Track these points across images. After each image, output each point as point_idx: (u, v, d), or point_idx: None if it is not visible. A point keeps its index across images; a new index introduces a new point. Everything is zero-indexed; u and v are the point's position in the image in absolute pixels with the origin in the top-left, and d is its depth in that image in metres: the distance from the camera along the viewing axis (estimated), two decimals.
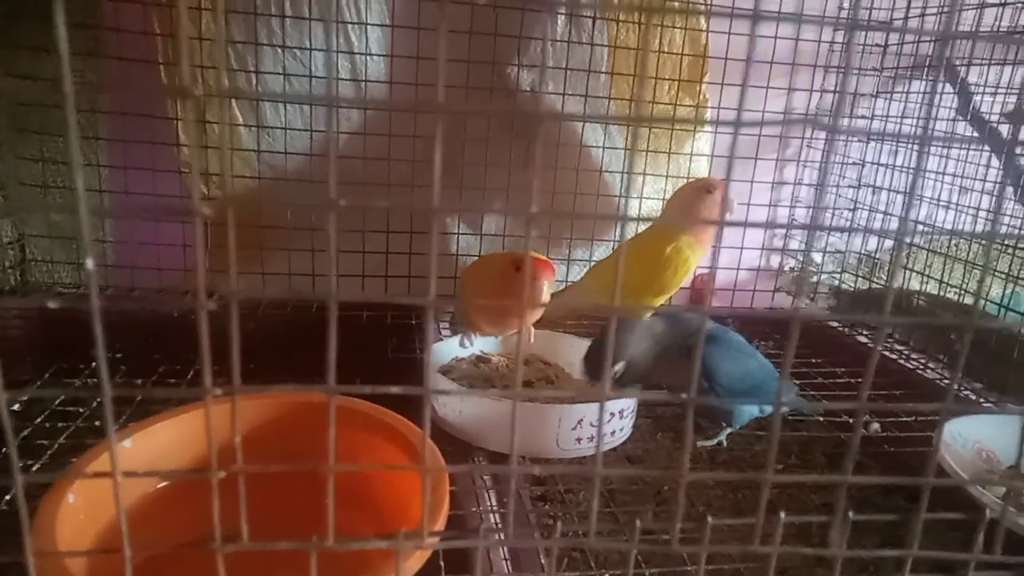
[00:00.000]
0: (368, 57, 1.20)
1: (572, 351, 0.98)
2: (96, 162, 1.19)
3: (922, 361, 1.16)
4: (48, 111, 1.14)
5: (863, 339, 1.27)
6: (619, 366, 0.77)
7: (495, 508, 0.72)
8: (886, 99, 1.33)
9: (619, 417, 0.79)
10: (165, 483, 0.53)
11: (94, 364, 0.97)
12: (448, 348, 0.95)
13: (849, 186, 1.38)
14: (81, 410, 0.84)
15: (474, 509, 0.69)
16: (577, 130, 1.26)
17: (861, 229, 1.40)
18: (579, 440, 0.77)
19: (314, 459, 0.58)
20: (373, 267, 1.23)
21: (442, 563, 0.59)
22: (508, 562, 0.63)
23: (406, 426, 0.57)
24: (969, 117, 1.22)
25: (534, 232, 1.30)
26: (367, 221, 1.20)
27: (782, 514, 0.41)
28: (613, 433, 0.80)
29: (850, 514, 0.43)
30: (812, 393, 1.03)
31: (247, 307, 1.20)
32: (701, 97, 1.30)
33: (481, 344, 0.98)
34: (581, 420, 0.76)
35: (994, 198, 1.16)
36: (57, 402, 0.84)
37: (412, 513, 0.48)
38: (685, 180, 1.31)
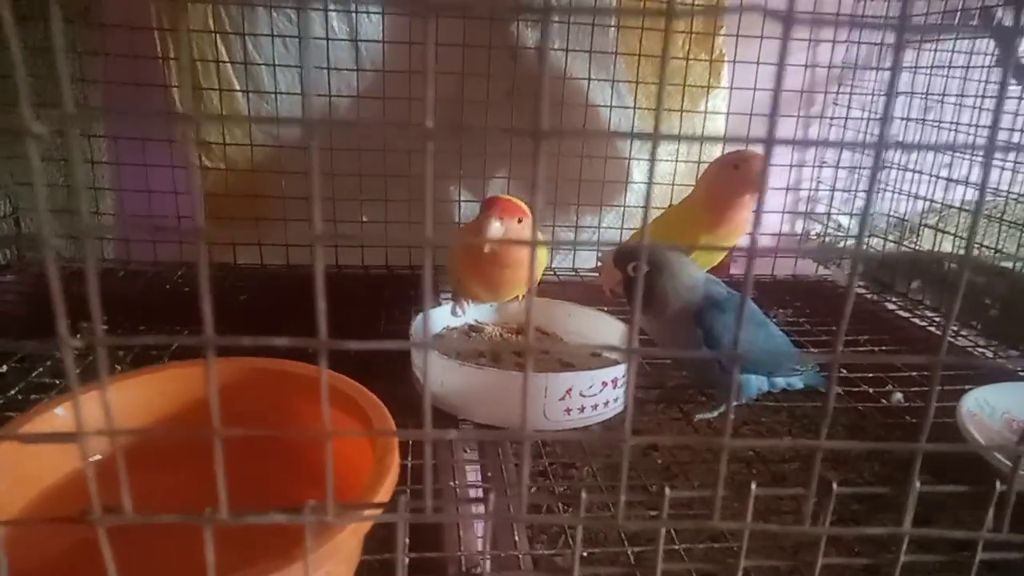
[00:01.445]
0: (366, 16, 1.15)
1: (571, 320, 0.93)
2: (89, 132, 1.17)
3: (953, 328, 1.08)
4: (37, 81, 1.12)
5: (891, 306, 1.19)
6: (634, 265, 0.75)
7: (481, 483, 0.68)
8: (916, 50, 1.24)
9: (612, 386, 0.73)
10: (99, 457, 0.49)
11: (78, 336, 0.94)
12: (439, 316, 0.91)
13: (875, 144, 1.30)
14: (57, 381, 0.81)
15: (452, 483, 0.65)
16: (583, 88, 1.19)
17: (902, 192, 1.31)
18: (568, 411, 0.72)
19: (268, 427, 0.54)
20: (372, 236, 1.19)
21: (408, 540, 0.55)
22: (484, 540, 0.58)
23: (360, 394, 0.52)
24: (1012, 67, 1.13)
25: (539, 199, 1.24)
26: (363, 189, 1.16)
27: (753, 485, 0.36)
28: (607, 403, 0.74)
29: (834, 485, 0.38)
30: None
31: (243, 277, 1.17)
32: (717, 51, 1.23)
33: (476, 312, 0.94)
34: (569, 390, 0.70)
35: None
36: (35, 374, 0.82)
37: (362, 483, 0.44)
38: (699, 140, 1.25)
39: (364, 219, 1.21)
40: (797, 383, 0.82)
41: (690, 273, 0.77)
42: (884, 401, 0.88)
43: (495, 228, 0.78)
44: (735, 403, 0.83)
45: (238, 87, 1.16)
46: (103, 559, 0.32)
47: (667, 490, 0.34)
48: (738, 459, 0.79)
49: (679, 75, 1.21)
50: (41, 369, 0.83)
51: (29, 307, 1.06)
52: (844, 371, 0.94)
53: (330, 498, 0.32)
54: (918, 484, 0.36)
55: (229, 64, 1.15)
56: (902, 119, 1.26)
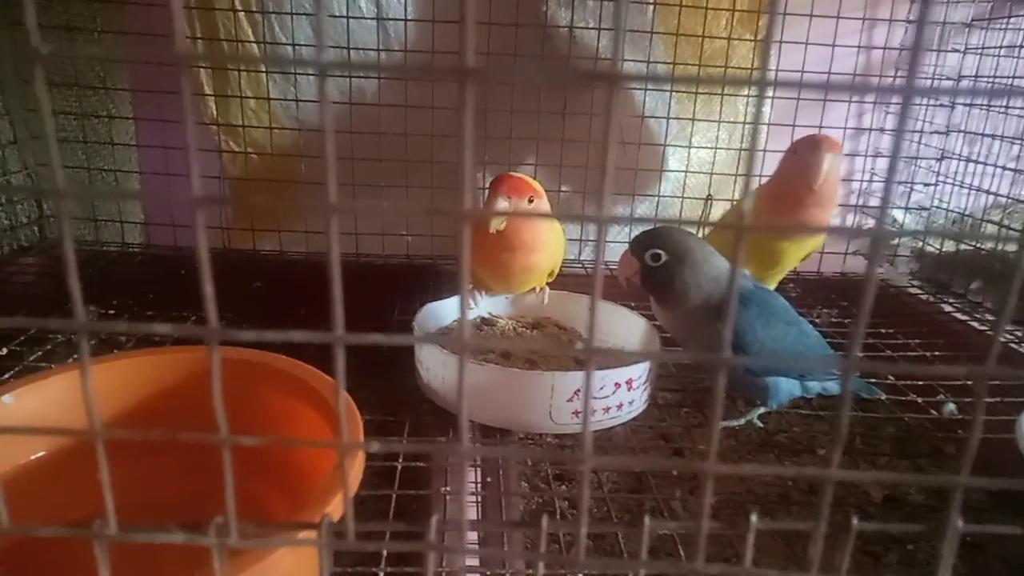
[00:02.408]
0: None
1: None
2: (129, 114, 1.15)
3: (1017, 334, 0.98)
4: (56, 61, 1.10)
5: (948, 308, 1.10)
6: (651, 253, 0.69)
7: (478, 489, 0.63)
8: (983, 29, 1.14)
9: (627, 388, 0.67)
10: (43, 453, 0.45)
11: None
12: (450, 308, 0.86)
13: (935, 132, 1.20)
14: (53, 365, 0.79)
15: (444, 489, 0.59)
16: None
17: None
18: (576, 414, 0.66)
19: (232, 422, 0.50)
20: (394, 223, 1.15)
21: (384, 552, 0.50)
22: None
23: (329, 388, 0.48)
24: None
25: (566, 187, 1.18)
26: (384, 175, 1.12)
27: (753, 518, 0.29)
28: (620, 406, 0.68)
29: (854, 522, 0.31)
30: (878, 368, 0.88)
31: (260, 264, 1.14)
32: (762, 31, 1.14)
33: (489, 305, 0.88)
34: (578, 391, 0.65)
35: None
36: (32, 357, 0.80)
37: (321, 470, 0.39)
38: (742, 126, 1.17)
39: (385, 205, 1.17)
40: (834, 388, 0.75)
41: (715, 263, 0.70)
42: (935, 412, 0.80)
43: (501, 207, 0.73)
44: (765, 410, 0.77)
45: (265, 68, 1.13)
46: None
47: (646, 521, 0.28)
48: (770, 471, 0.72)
49: (721, 57, 1.13)
50: (40, 352, 0.81)
51: (46, 289, 1.05)
52: (891, 378, 0.86)
53: (231, 520, 0.27)
54: (960, 523, 0.29)
55: (254, 44, 1.12)
56: (966, 105, 1.15)
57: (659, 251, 0.70)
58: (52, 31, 1.09)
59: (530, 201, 0.75)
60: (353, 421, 0.43)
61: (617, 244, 1.20)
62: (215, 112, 1.15)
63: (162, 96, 1.10)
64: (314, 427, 0.46)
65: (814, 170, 0.81)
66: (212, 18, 1.10)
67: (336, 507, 0.37)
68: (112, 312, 0.94)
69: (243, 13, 1.10)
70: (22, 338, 0.84)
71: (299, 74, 1.13)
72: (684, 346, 0.76)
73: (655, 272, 0.70)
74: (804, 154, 0.83)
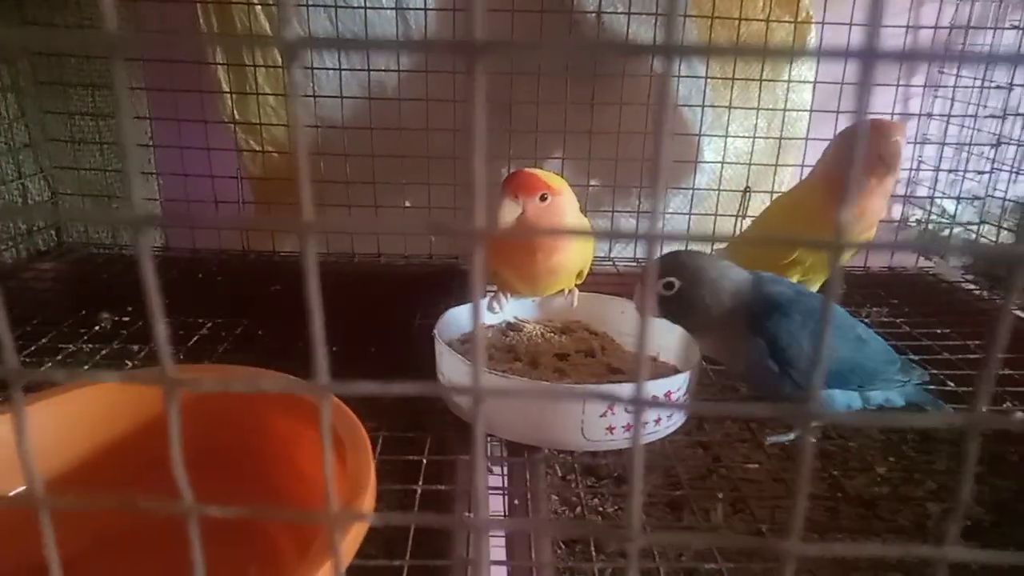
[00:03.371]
0: None
1: (624, 318, 0.81)
2: (147, 114, 1.12)
3: None
4: (71, 61, 1.07)
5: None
6: (667, 281, 0.64)
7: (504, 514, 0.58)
8: None
9: (666, 399, 0.62)
10: (22, 488, 0.41)
11: (97, 328, 0.89)
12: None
13: (992, 116, 1.12)
14: None
15: (467, 515, 0.55)
16: (646, 57, 1.06)
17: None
18: (610, 429, 0.61)
19: (226, 453, 0.46)
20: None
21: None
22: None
23: (340, 413, 0.43)
24: None
25: (595, 181, 1.13)
26: (406, 172, 1.07)
27: None
28: (658, 420, 0.63)
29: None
30: (935, 372, 0.82)
31: (279, 266, 1.10)
32: (803, 12, 1.08)
33: (515, 308, 0.83)
34: (612, 404, 0.60)
35: None
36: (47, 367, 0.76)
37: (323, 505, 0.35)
38: (782, 114, 1.10)
39: (407, 204, 1.12)
40: (897, 400, 0.69)
41: (731, 276, 0.65)
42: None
43: (509, 209, 0.68)
44: (816, 424, 0.71)
45: (281, 63, 1.09)
46: None
47: None
48: (817, 481, 0.67)
49: (758, 39, 1.07)
50: (50, 363, 0.78)
51: (61, 296, 1.02)
52: (951, 384, 0.80)
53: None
54: None
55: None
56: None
57: (671, 279, 0.65)
58: (65, 30, 1.06)
59: (543, 199, 0.70)
60: (363, 461, 0.39)
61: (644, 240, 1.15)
62: (233, 110, 1.11)
63: (177, 95, 1.06)
64: (320, 452, 0.41)
65: (894, 153, 0.79)
66: (228, 12, 1.06)
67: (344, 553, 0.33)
68: (127, 319, 0.91)
69: (260, 7, 1.07)
70: (33, 348, 0.82)
71: (317, 69, 1.09)
72: (728, 367, 0.71)
73: (672, 301, 0.66)
74: (877, 138, 0.79)
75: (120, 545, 0.42)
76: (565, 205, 0.74)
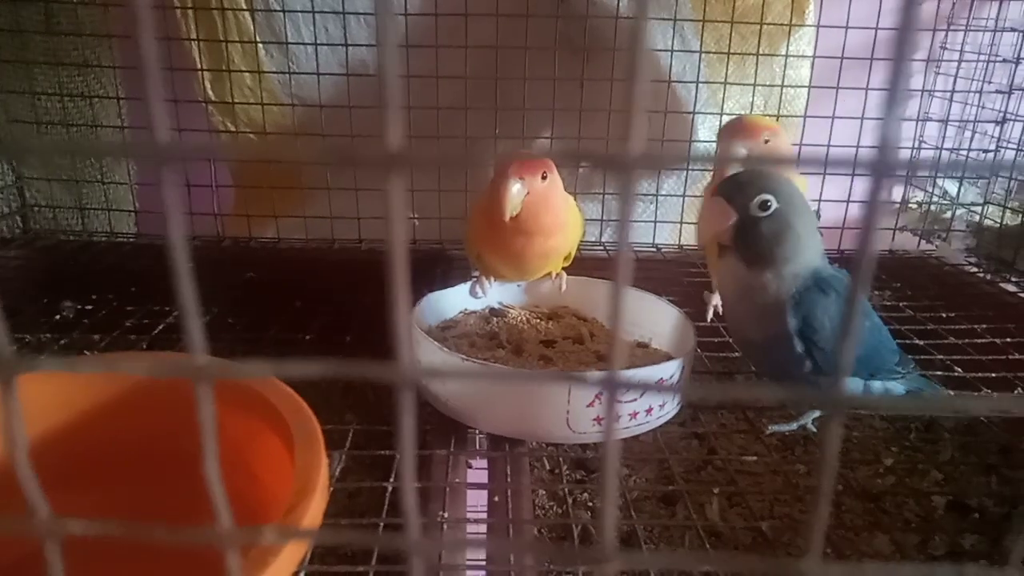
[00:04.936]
0: None
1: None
2: (116, 94, 1.07)
3: None
4: (35, 38, 1.02)
5: (1011, 287, 0.98)
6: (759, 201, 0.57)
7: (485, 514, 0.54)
8: None
9: (657, 391, 0.58)
10: None
11: (58, 316, 0.85)
12: (456, 298, 0.76)
13: (997, 91, 1.08)
14: None
15: (441, 514, 0.50)
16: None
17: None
18: (598, 420, 0.56)
19: (170, 442, 0.41)
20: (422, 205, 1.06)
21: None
22: None
23: (291, 407, 0.39)
24: None
25: (586, 162, 1.08)
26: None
27: None
28: (649, 411, 0.59)
29: None
30: (941, 358, 0.78)
31: (252, 253, 1.06)
32: None
33: (500, 293, 0.79)
34: (599, 394, 0.55)
35: None
36: None
37: (276, 511, 0.30)
38: (779, 90, 1.06)
39: (401, 193, 1.08)
40: (898, 388, 0.65)
41: (815, 233, 0.59)
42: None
43: (515, 190, 0.64)
44: (816, 415, 0.67)
45: (259, 38, 1.04)
46: None
47: None
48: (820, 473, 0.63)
49: (755, 13, 1.02)
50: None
51: (26, 284, 0.97)
52: (959, 369, 0.76)
53: None
54: None
55: (248, 12, 1.03)
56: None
57: (767, 197, 0.56)
58: (29, 4, 1.01)
59: (543, 178, 0.66)
60: (313, 459, 0.34)
61: (641, 223, 1.11)
62: (209, 90, 1.06)
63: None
64: (274, 455, 0.37)
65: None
66: None
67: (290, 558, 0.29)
68: (90, 308, 0.86)
69: None
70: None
71: (293, 44, 1.04)
72: (745, 334, 0.65)
73: (762, 225, 0.57)
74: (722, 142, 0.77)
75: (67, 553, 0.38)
76: (559, 182, 0.70)
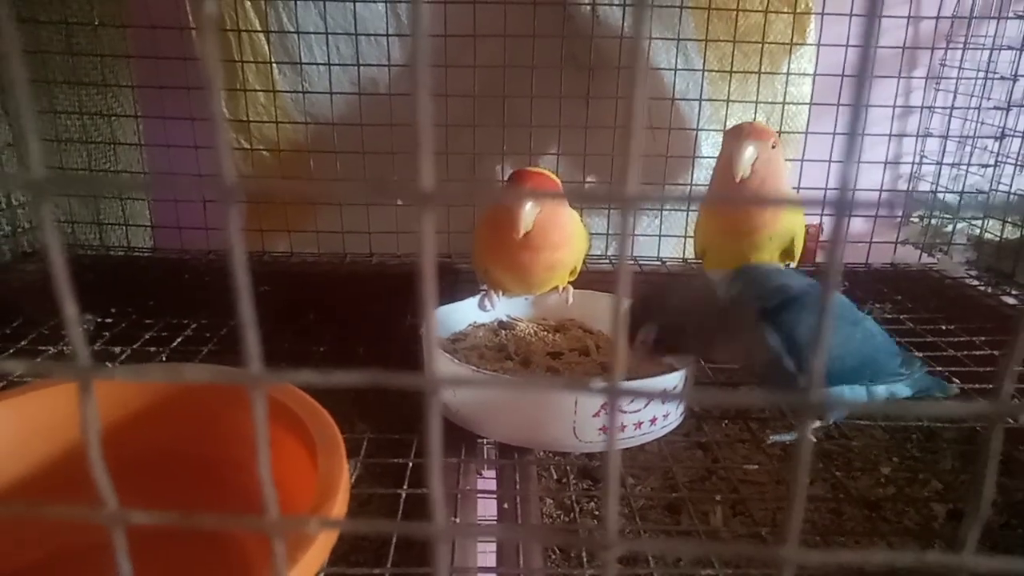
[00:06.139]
0: None
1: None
2: (134, 112, 1.10)
3: None
4: (56, 59, 1.05)
5: (1011, 300, 1.00)
6: (645, 330, 0.59)
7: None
8: None
9: (660, 401, 0.60)
10: None
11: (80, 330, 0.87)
12: (465, 311, 0.79)
13: (996, 108, 1.10)
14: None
15: (452, 520, 0.52)
16: (643, 49, 1.04)
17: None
18: (604, 430, 0.58)
19: (200, 451, 0.43)
20: (408, 219, 1.08)
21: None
22: None
23: (313, 415, 0.41)
24: None
25: (591, 177, 1.11)
26: (396, 169, 1.05)
27: None
28: (653, 420, 0.61)
29: None
30: (941, 369, 0.79)
31: (266, 267, 1.08)
32: (802, 3, 1.05)
33: (508, 307, 0.81)
34: (605, 404, 0.57)
35: None
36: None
37: (300, 513, 0.33)
38: (781, 107, 1.08)
39: (398, 202, 1.10)
40: (903, 391, 0.66)
41: (708, 287, 0.63)
42: (1011, 421, 0.71)
43: (528, 208, 0.66)
44: (824, 424, 0.69)
45: (273, 58, 1.07)
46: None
47: None
48: (820, 482, 0.65)
49: (757, 32, 1.05)
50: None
51: (47, 297, 1.00)
52: (957, 380, 0.77)
53: None
54: None
55: (263, 34, 1.06)
56: None
57: (647, 328, 0.61)
58: (51, 25, 1.04)
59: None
60: (335, 465, 0.36)
61: (646, 237, 1.13)
62: (224, 108, 1.09)
63: (164, 92, 1.04)
64: (294, 457, 0.39)
65: (736, 159, 0.76)
66: (217, 8, 1.04)
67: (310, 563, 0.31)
68: (109, 321, 0.88)
69: (249, 2, 1.05)
70: (13, 349, 0.79)
71: (307, 64, 1.07)
72: (744, 367, 0.68)
73: (663, 343, 0.62)
74: (729, 141, 0.79)
75: (78, 559, 0.40)
76: (566, 200, 0.73)
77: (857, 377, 0.63)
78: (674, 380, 0.61)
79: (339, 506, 0.33)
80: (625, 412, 0.58)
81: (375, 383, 0.17)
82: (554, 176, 0.73)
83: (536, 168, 0.72)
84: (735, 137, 0.78)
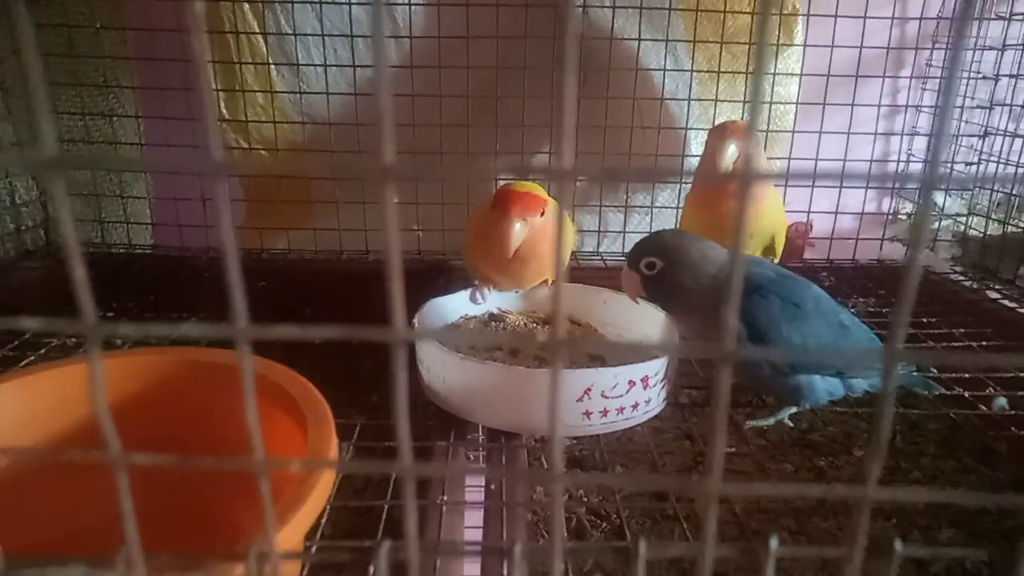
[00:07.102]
0: None
1: (607, 308, 0.81)
2: (135, 113, 1.12)
3: None
4: (58, 60, 1.08)
5: (994, 295, 1.02)
6: (650, 260, 0.65)
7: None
8: None
9: (642, 386, 0.62)
10: None
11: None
12: (457, 304, 0.81)
13: (979, 107, 1.12)
14: None
15: (440, 499, 0.54)
16: (633, 49, 1.07)
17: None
18: (587, 414, 0.61)
19: (206, 424, 0.45)
20: (404, 218, 1.10)
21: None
22: None
23: (306, 394, 0.43)
24: None
25: (582, 176, 1.12)
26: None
27: (773, 543, 0.24)
28: (635, 406, 0.63)
29: (897, 545, 0.25)
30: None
31: (264, 264, 1.11)
32: (790, 5, 1.08)
33: (498, 300, 0.83)
34: (589, 389, 0.59)
35: None
36: (24, 363, 0.77)
37: (290, 483, 0.35)
38: (768, 106, 1.11)
39: (395, 200, 1.12)
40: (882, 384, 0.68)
41: (714, 258, 0.64)
42: (984, 408, 0.73)
43: (517, 229, 0.68)
44: (797, 410, 0.71)
45: (271, 60, 1.09)
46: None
47: (641, 550, 0.23)
48: (803, 471, 0.67)
49: (745, 33, 1.07)
50: (33, 356, 0.78)
51: (50, 293, 1.02)
52: (935, 371, 0.79)
53: (135, 552, 0.22)
54: None
55: (261, 36, 1.08)
56: (1011, 76, 1.08)
57: (652, 259, 0.66)
58: (52, 28, 1.06)
59: (541, 215, 0.71)
60: (324, 436, 0.38)
61: (637, 234, 1.15)
62: (224, 109, 1.11)
63: (165, 93, 1.07)
64: (287, 435, 0.41)
65: (719, 156, 0.81)
66: (216, 11, 1.07)
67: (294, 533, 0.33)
68: (111, 315, 0.91)
69: (247, 5, 1.07)
70: (16, 342, 0.81)
71: (304, 65, 1.09)
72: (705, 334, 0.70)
73: (655, 281, 0.66)
74: (711, 142, 0.84)
75: (92, 537, 0.43)
76: (554, 209, 0.74)
77: (826, 367, 0.65)
78: (656, 367, 0.63)
79: (327, 476, 0.35)
80: (608, 397, 0.60)
81: (347, 336, 0.20)
82: (540, 189, 0.75)
83: (523, 185, 0.74)
84: (718, 136, 0.80)
